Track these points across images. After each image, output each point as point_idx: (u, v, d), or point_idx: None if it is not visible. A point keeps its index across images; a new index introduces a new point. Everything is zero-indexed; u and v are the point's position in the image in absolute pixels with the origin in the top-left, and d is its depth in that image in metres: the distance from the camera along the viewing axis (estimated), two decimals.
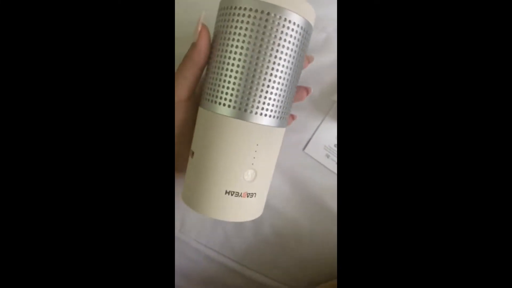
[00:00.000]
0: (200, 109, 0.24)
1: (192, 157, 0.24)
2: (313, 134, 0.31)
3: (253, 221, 0.31)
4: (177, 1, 0.28)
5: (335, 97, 0.30)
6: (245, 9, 0.20)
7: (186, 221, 0.32)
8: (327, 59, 0.30)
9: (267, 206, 0.31)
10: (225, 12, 0.22)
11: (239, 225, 0.31)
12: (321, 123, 0.31)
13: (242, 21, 0.20)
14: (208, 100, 0.22)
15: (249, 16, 0.20)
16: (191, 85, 0.24)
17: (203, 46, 0.22)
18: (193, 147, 0.24)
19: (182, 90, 0.24)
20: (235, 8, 0.21)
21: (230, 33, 0.21)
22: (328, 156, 0.31)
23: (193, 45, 0.23)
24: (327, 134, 0.31)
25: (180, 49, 0.30)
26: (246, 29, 0.20)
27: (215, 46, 0.22)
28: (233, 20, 0.21)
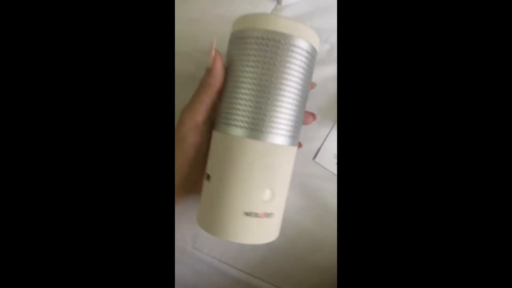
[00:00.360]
0: (215, 132, 0.24)
1: (208, 180, 0.24)
2: (322, 143, 0.31)
3: None
4: (177, 16, 0.29)
5: None
6: (256, 37, 0.22)
7: (198, 237, 0.32)
8: (332, 69, 0.31)
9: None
10: (238, 41, 0.23)
11: None
12: (329, 132, 0.31)
13: (254, 49, 0.22)
14: (223, 123, 0.23)
15: (260, 44, 0.22)
16: (207, 109, 0.24)
17: (217, 70, 0.23)
18: (208, 170, 0.24)
19: (198, 113, 0.24)
20: (247, 38, 0.22)
21: (243, 60, 0.22)
22: None
23: (208, 71, 0.24)
24: (336, 142, 0.31)
25: (180, 64, 0.30)
26: (257, 55, 0.22)
27: (228, 72, 0.24)
28: (245, 48, 0.22)
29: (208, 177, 0.24)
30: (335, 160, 0.31)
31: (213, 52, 0.23)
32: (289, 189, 0.25)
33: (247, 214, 0.23)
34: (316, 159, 0.31)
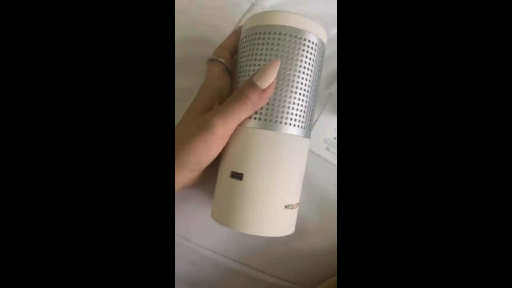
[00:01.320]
0: (240, 129, 0.23)
1: (240, 179, 0.23)
2: (312, 128, 0.31)
3: None
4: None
5: (330, 90, 0.31)
6: (269, 33, 0.23)
7: (189, 228, 0.31)
8: None
9: None
10: (250, 38, 0.24)
11: None
12: (318, 116, 0.31)
13: (267, 43, 0.23)
14: (256, 118, 0.23)
15: (273, 38, 0.23)
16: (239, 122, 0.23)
17: (268, 94, 0.22)
18: (238, 169, 0.23)
19: (230, 128, 0.23)
20: (259, 33, 0.23)
21: (257, 54, 0.23)
22: (328, 149, 0.31)
23: (261, 92, 0.21)
24: (326, 127, 0.31)
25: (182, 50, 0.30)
26: (272, 49, 0.23)
27: (244, 69, 0.24)
28: (258, 43, 0.23)
29: (239, 175, 0.23)
30: (325, 145, 0.31)
31: (274, 74, 0.22)
32: None
33: (286, 207, 0.23)
34: None
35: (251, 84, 0.21)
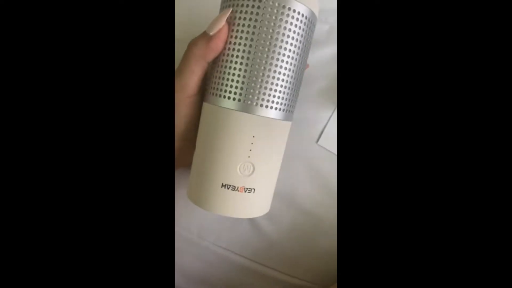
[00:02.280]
0: (204, 104, 0.24)
1: (195, 151, 0.24)
2: (325, 126, 0.31)
3: (273, 220, 0.30)
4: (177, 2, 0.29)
5: None
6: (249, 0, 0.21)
7: (204, 226, 0.31)
8: (331, 50, 0.30)
9: (286, 203, 0.30)
10: (229, 4, 0.22)
11: (259, 225, 0.31)
12: (332, 114, 0.31)
13: (246, 12, 0.21)
14: (211, 93, 0.23)
15: (253, 6, 0.20)
16: (199, 79, 0.23)
17: (220, 41, 0.21)
18: (196, 142, 0.24)
19: (189, 86, 0.23)
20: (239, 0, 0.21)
21: (234, 24, 0.21)
22: None
23: (208, 38, 0.21)
24: None
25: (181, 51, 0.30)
26: (250, 19, 0.21)
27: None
28: (237, 11, 0.21)
29: (195, 149, 0.24)
30: None
31: (222, 23, 0.21)
32: (290, 164, 0.25)
33: (224, 186, 0.22)
34: (320, 142, 0.31)
35: (201, 34, 0.22)
